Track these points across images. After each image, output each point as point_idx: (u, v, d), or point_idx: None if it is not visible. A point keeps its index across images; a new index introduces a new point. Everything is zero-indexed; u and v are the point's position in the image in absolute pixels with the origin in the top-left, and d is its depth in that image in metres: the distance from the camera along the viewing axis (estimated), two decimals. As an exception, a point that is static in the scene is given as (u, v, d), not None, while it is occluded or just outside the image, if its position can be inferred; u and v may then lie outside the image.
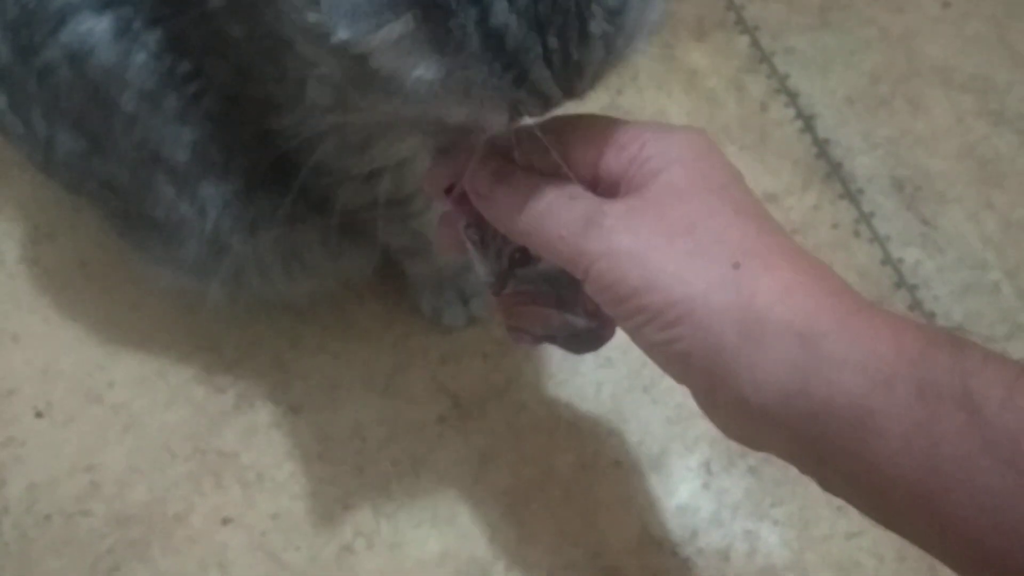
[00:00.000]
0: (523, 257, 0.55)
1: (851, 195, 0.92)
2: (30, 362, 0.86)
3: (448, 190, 0.55)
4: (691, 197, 0.46)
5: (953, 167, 0.94)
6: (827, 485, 0.45)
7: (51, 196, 0.91)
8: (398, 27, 0.40)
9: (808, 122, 0.96)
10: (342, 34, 0.39)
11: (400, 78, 0.42)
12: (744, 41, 1.00)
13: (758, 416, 0.44)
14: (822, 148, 0.95)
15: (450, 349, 0.86)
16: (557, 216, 0.47)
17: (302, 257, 0.73)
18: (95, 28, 0.59)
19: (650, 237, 0.45)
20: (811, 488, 0.78)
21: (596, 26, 0.42)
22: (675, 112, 0.96)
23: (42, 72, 0.62)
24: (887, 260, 0.90)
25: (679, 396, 0.83)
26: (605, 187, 0.49)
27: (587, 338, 0.58)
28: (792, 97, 0.97)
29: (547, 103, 0.44)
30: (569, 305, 0.55)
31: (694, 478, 0.81)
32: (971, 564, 0.40)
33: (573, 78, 0.44)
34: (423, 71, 0.42)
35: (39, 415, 0.84)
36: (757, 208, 0.48)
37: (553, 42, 0.41)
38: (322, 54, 0.45)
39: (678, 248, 0.45)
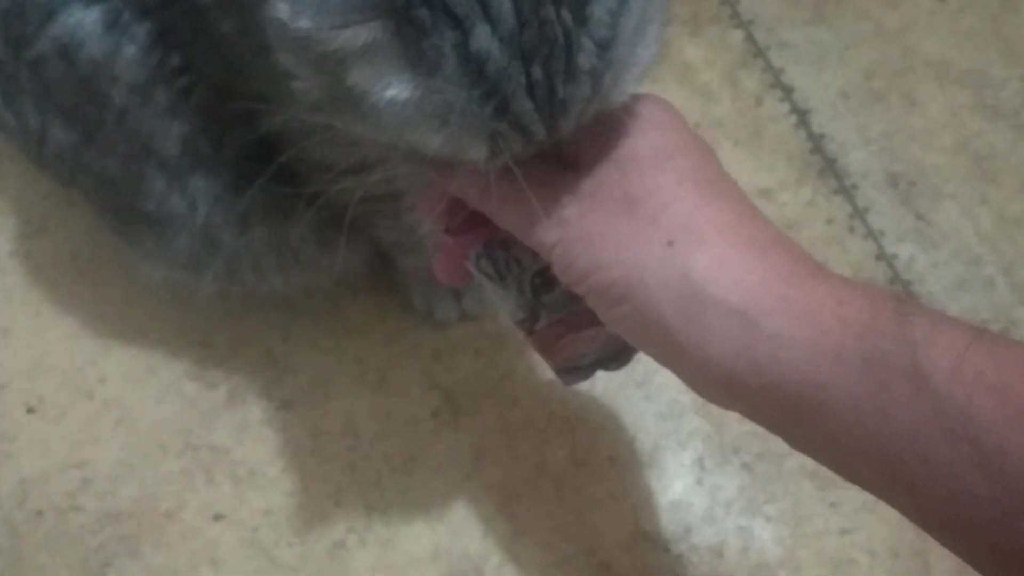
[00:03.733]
0: (544, 281, 0.53)
1: (845, 190, 0.92)
2: (21, 357, 0.86)
3: (449, 224, 0.54)
4: (635, 173, 0.47)
5: (948, 162, 0.94)
6: (793, 446, 0.46)
7: (42, 190, 0.90)
8: (364, 32, 0.39)
9: (803, 117, 0.96)
10: (304, 23, 0.38)
11: (373, 97, 0.41)
12: (739, 35, 1.00)
13: (714, 386, 0.45)
14: (817, 143, 0.94)
15: (443, 344, 0.86)
16: (519, 205, 0.47)
17: (295, 252, 0.73)
18: (84, 20, 0.59)
19: (596, 220, 0.46)
20: (804, 485, 0.80)
21: (584, 59, 0.41)
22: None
23: (34, 64, 0.61)
24: (881, 256, 0.89)
25: (673, 392, 0.83)
26: (571, 166, 0.49)
27: (629, 348, 0.56)
28: (787, 92, 0.97)
29: (529, 139, 0.43)
30: None
31: (688, 474, 0.81)
32: (930, 527, 0.41)
33: (557, 114, 0.42)
34: (396, 91, 0.41)
35: (30, 410, 0.84)
36: (703, 174, 0.48)
37: (538, 73, 0.40)
38: (301, 63, 0.44)
39: (619, 228, 0.46)
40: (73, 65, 0.60)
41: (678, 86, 0.97)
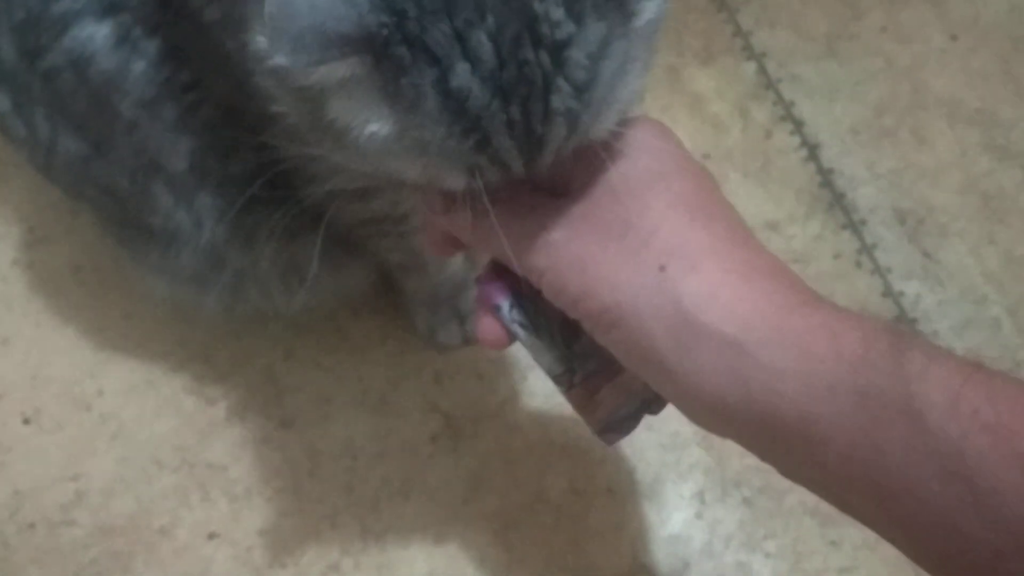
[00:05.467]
0: (570, 329, 0.51)
1: (853, 226, 0.92)
2: (20, 367, 0.85)
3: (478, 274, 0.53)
4: (626, 196, 0.46)
5: (956, 201, 0.93)
6: (785, 475, 0.45)
7: (47, 200, 0.90)
8: (342, 68, 0.39)
9: (812, 151, 0.95)
10: (280, 60, 0.38)
11: (354, 131, 0.41)
12: (751, 67, 1.00)
13: (706, 414, 0.45)
14: (826, 177, 0.94)
15: (444, 368, 0.86)
16: (508, 231, 0.46)
17: (300, 271, 0.73)
18: (96, 35, 0.58)
19: (588, 244, 0.46)
20: (805, 521, 0.79)
21: (559, 101, 0.41)
22: (679, 136, 0.95)
23: (46, 76, 0.61)
24: (888, 292, 0.89)
25: (674, 424, 0.82)
26: (563, 191, 0.48)
27: None
28: (797, 125, 0.97)
29: (508, 172, 0.43)
30: None
31: (687, 507, 0.80)
32: (929, 560, 0.40)
33: (535, 151, 0.43)
34: (376, 126, 0.41)
35: (26, 421, 0.83)
36: (696, 199, 0.47)
37: (515, 112, 0.40)
38: (281, 91, 0.44)
39: (611, 253, 0.45)
40: (84, 78, 0.60)
41: (688, 116, 0.96)
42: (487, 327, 0.53)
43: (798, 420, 0.41)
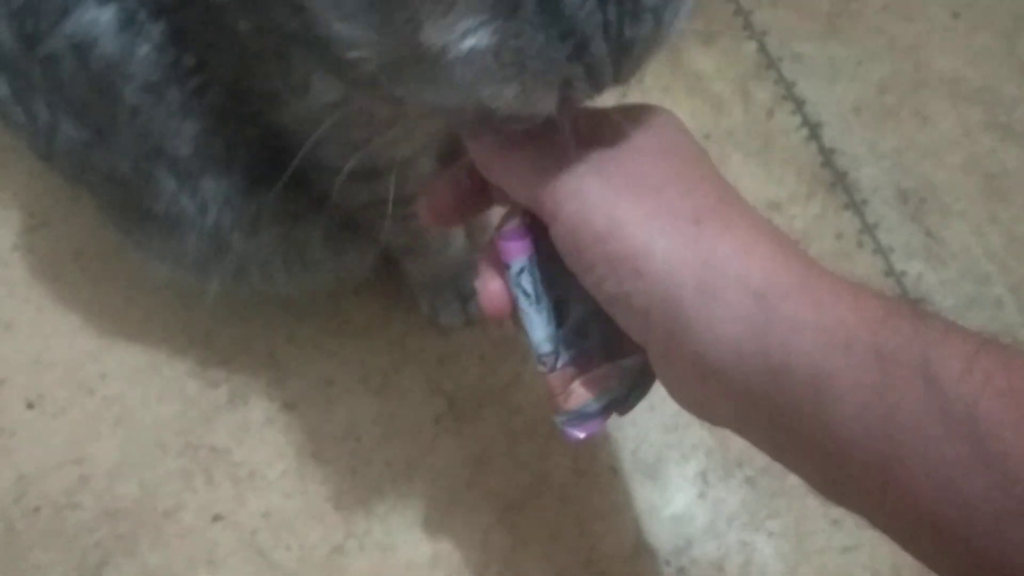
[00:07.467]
0: (559, 312, 0.51)
1: (855, 205, 0.92)
2: (22, 352, 0.85)
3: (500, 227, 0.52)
4: (660, 161, 0.47)
5: (959, 180, 0.93)
6: (778, 453, 0.45)
7: (47, 185, 0.90)
8: None
9: (814, 130, 0.95)
10: None
11: (451, 51, 0.40)
12: (751, 47, 0.99)
13: (713, 374, 0.44)
14: (827, 157, 0.94)
15: (447, 350, 0.86)
16: (532, 153, 0.46)
17: (304, 254, 0.72)
18: (99, 18, 0.58)
19: (619, 188, 0.45)
20: (807, 501, 0.79)
21: None
22: (680, 116, 0.94)
23: (46, 61, 0.61)
24: (890, 272, 0.89)
25: (677, 404, 0.82)
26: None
27: (642, 381, 0.54)
28: (798, 104, 0.96)
29: (599, 83, 0.42)
30: (616, 350, 0.52)
31: (690, 487, 0.81)
32: (918, 536, 0.40)
33: (623, 56, 0.41)
34: (475, 39, 0.39)
35: (30, 406, 0.83)
36: (721, 181, 0.48)
37: (611, 11, 0.39)
38: (365, 29, 0.42)
39: (646, 202, 0.45)
40: (86, 63, 0.59)
41: (689, 96, 0.96)
42: (493, 288, 0.52)
43: (812, 375, 0.41)
